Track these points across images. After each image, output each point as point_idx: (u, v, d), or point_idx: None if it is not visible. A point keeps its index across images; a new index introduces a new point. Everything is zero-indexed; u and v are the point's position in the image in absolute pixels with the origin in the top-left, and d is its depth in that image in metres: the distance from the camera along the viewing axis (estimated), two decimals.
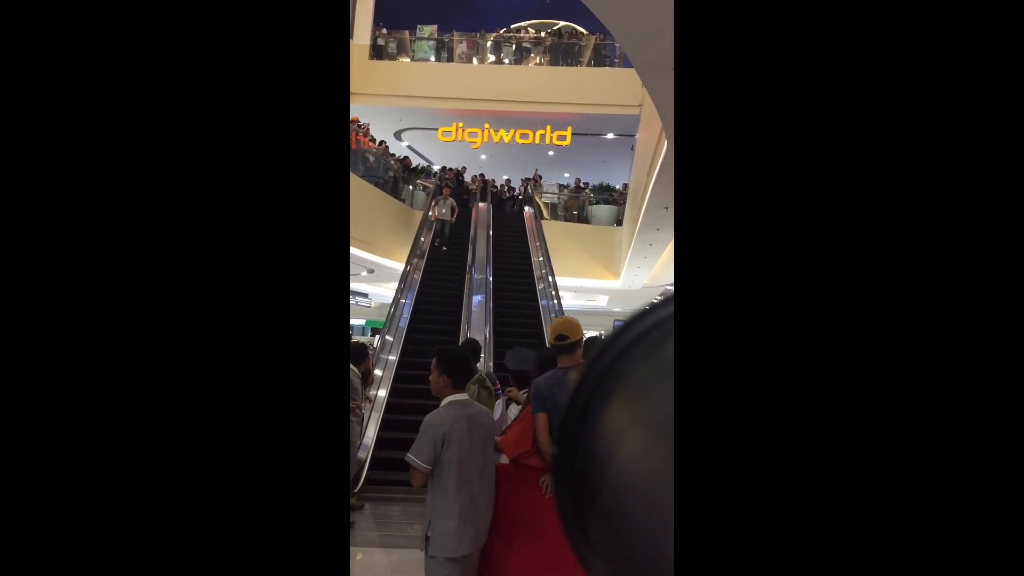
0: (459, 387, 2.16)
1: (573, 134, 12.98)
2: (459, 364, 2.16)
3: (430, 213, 10.70)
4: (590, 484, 0.35)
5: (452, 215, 10.39)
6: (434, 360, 2.17)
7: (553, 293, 8.33)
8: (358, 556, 3.85)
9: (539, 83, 13.17)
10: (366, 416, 5.51)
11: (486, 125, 13.04)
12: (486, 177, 13.15)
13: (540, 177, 13.50)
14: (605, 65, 13.60)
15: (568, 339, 2.28)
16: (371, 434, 5.69)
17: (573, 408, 0.36)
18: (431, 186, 12.59)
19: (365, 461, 5.34)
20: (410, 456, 2.05)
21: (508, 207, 12.96)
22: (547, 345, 2.57)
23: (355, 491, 4.96)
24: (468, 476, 2.06)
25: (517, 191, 13.56)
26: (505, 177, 13.79)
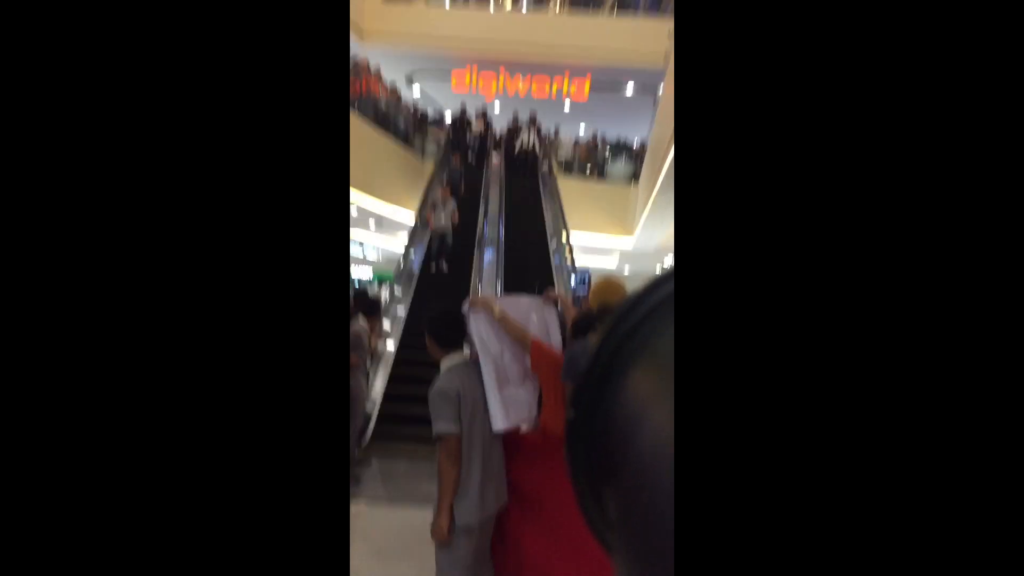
0: (451, 347, 2.04)
1: (591, 87, 12.47)
2: (444, 323, 2.07)
3: (427, 220, 8.18)
4: (611, 456, 0.34)
5: (453, 221, 7.83)
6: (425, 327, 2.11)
7: (568, 253, 8.13)
8: (362, 510, 3.80)
9: (558, 30, 12.57)
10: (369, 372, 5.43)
11: (501, 68, 12.52)
12: (492, 126, 12.02)
13: (557, 132, 12.97)
14: (628, 13, 12.96)
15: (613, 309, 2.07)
16: (379, 388, 5.61)
17: (593, 370, 0.35)
18: (442, 137, 12.14)
19: (372, 415, 5.27)
20: (439, 430, 1.88)
21: (527, 170, 10.85)
22: (586, 310, 2.35)
23: (362, 445, 4.90)
24: (481, 437, 1.96)
25: (533, 142, 11.62)
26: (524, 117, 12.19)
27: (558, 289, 7.13)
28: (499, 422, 1.99)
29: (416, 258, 7.88)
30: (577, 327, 2.20)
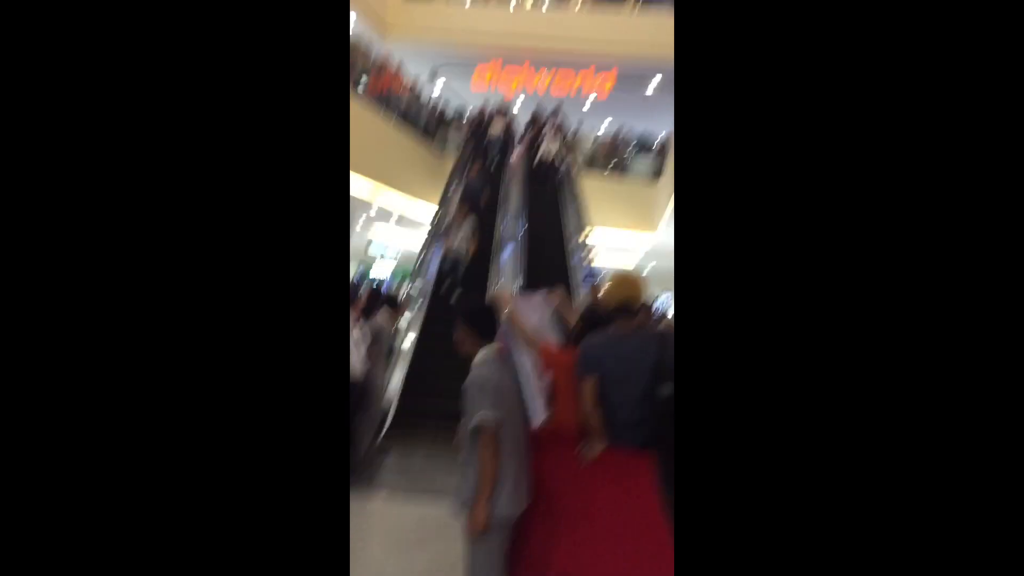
0: (486, 339, 2.02)
1: (615, 82, 12.34)
2: (479, 316, 2.04)
3: (443, 243, 7.30)
4: None
5: (469, 247, 7.00)
6: (458, 319, 2.07)
7: (587, 251, 8.08)
8: (381, 502, 3.83)
9: (580, 26, 12.46)
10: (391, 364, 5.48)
11: (526, 63, 12.46)
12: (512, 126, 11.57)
13: (577, 129, 12.75)
14: (652, 5, 12.79)
15: (632, 306, 2.05)
16: (397, 380, 5.66)
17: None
18: (463, 132, 12.10)
19: (391, 407, 5.32)
20: (480, 420, 1.84)
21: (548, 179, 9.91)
22: (600, 304, 2.32)
23: (380, 436, 4.96)
24: (515, 430, 1.94)
25: (553, 156, 10.64)
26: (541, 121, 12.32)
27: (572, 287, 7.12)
28: (540, 412, 1.96)
29: (433, 260, 7.80)
30: (587, 320, 2.18)
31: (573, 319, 2.38)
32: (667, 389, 1.85)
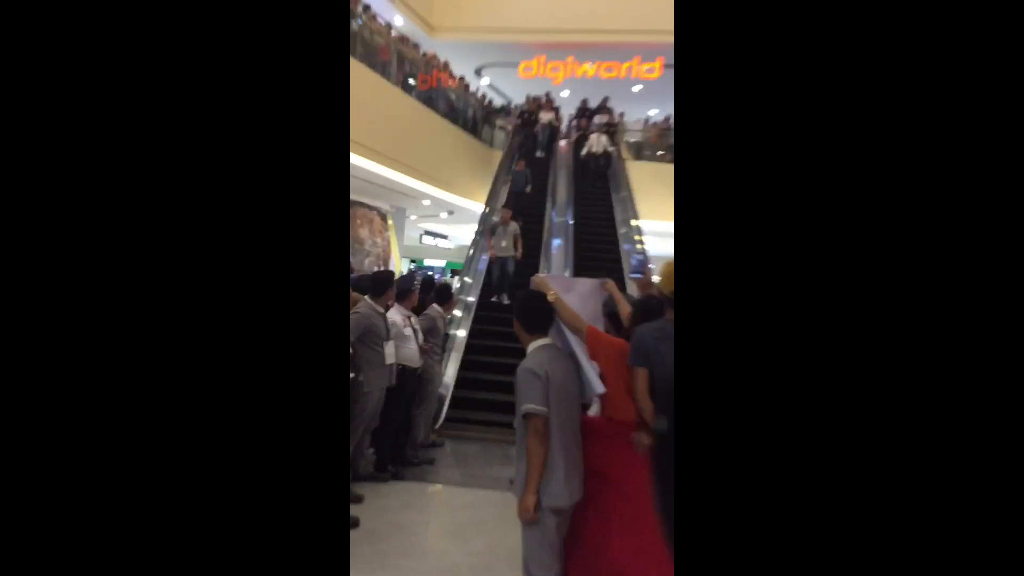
0: (538, 333, 2.05)
1: (664, 66, 12.03)
2: (530, 309, 2.08)
3: (487, 249, 7.20)
4: None
5: (516, 248, 6.95)
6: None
7: (637, 237, 7.97)
8: (439, 490, 3.95)
9: (629, 9, 12.22)
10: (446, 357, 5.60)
11: (570, 58, 12.34)
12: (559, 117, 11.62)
13: (620, 115, 12.47)
14: None
15: None
16: (451, 373, 5.79)
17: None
18: (509, 127, 12.10)
19: (445, 399, 5.45)
20: (529, 408, 1.90)
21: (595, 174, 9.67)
22: (656, 294, 2.31)
23: (435, 428, 5.09)
24: (567, 421, 1.98)
25: (603, 148, 10.19)
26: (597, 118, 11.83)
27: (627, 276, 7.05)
28: (598, 386, 2.01)
29: (482, 258, 7.85)
30: (641, 310, 2.17)
31: (626, 309, 2.38)
32: (661, 424, 1.84)
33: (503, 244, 6.92)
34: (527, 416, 1.91)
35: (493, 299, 6.94)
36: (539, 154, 10.80)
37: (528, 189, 8.81)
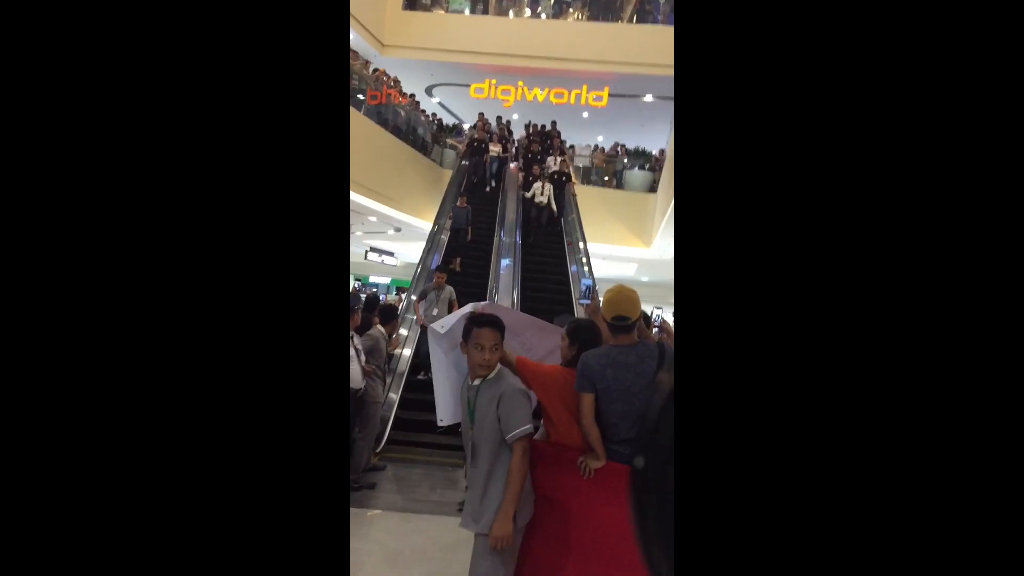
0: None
1: (610, 95, 12.45)
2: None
3: (416, 317, 6.20)
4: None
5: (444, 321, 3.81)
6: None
7: (584, 260, 8.12)
8: (379, 516, 3.82)
9: (577, 39, 12.62)
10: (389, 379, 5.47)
11: (520, 83, 12.59)
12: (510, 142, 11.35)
13: (566, 144, 12.62)
14: (647, 22, 12.96)
15: (629, 320, 2.06)
16: (394, 394, 5.66)
17: (666, 414, 0.33)
18: (460, 147, 12.14)
19: (388, 421, 5.31)
20: (524, 428, 1.90)
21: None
22: (591, 317, 2.33)
23: (377, 451, 4.94)
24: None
25: (551, 171, 9.73)
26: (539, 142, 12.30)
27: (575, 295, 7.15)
28: (441, 412, 2.19)
29: (432, 266, 7.86)
30: (574, 336, 2.18)
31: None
32: (638, 462, 1.86)
33: (434, 312, 5.74)
34: (518, 438, 1.89)
35: (420, 376, 5.82)
36: (487, 189, 10.55)
37: (469, 233, 8.38)
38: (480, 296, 7.29)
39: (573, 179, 10.53)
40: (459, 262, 7.87)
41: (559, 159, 10.38)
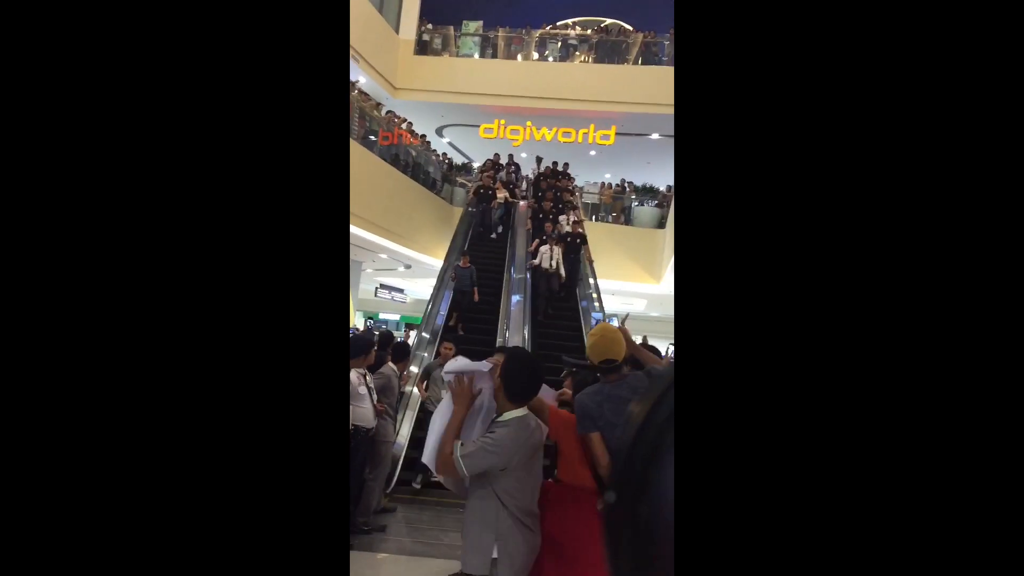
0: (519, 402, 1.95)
1: (617, 133, 12.68)
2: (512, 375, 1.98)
3: (421, 395, 5.58)
4: (657, 543, 0.32)
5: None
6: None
7: (595, 296, 8.11)
8: (389, 559, 3.73)
9: (584, 81, 12.94)
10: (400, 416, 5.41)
11: (528, 123, 12.87)
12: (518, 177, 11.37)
13: (577, 192, 12.33)
14: (653, 64, 13.27)
15: (615, 362, 2.06)
16: (404, 433, 5.59)
17: (638, 448, 0.33)
18: (470, 185, 12.30)
19: (399, 461, 5.23)
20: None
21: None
22: (587, 362, 2.27)
23: (387, 492, 4.85)
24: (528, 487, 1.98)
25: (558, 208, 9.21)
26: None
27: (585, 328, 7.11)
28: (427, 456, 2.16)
29: (443, 303, 7.86)
30: (576, 383, 2.20)
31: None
32: (610, 497, 1.81)
33: (443, 395, 5.18)
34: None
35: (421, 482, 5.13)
36: (493, 236, 10.06)
37: (476, 295, 7.67)
38: (491, 331, 7.27)
39: (582, 215, 10.35)
40: (459, 323, 7.33)
41: (572, 219, 9.32)
